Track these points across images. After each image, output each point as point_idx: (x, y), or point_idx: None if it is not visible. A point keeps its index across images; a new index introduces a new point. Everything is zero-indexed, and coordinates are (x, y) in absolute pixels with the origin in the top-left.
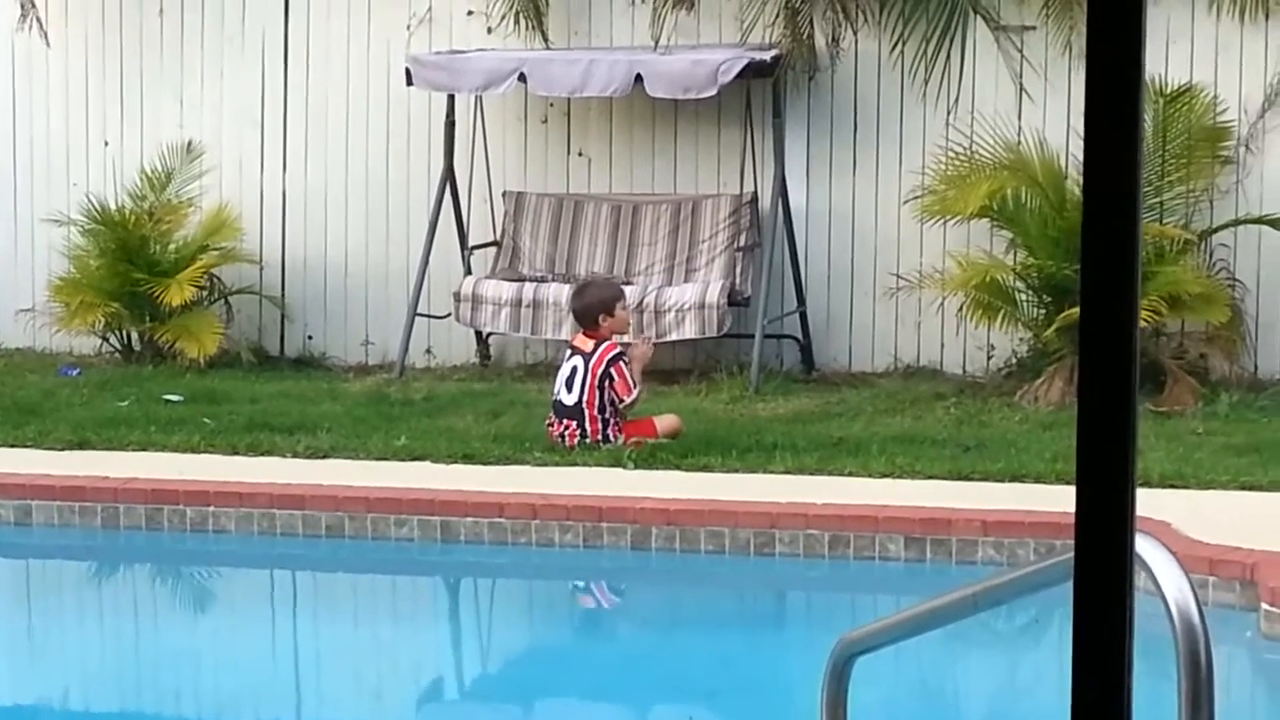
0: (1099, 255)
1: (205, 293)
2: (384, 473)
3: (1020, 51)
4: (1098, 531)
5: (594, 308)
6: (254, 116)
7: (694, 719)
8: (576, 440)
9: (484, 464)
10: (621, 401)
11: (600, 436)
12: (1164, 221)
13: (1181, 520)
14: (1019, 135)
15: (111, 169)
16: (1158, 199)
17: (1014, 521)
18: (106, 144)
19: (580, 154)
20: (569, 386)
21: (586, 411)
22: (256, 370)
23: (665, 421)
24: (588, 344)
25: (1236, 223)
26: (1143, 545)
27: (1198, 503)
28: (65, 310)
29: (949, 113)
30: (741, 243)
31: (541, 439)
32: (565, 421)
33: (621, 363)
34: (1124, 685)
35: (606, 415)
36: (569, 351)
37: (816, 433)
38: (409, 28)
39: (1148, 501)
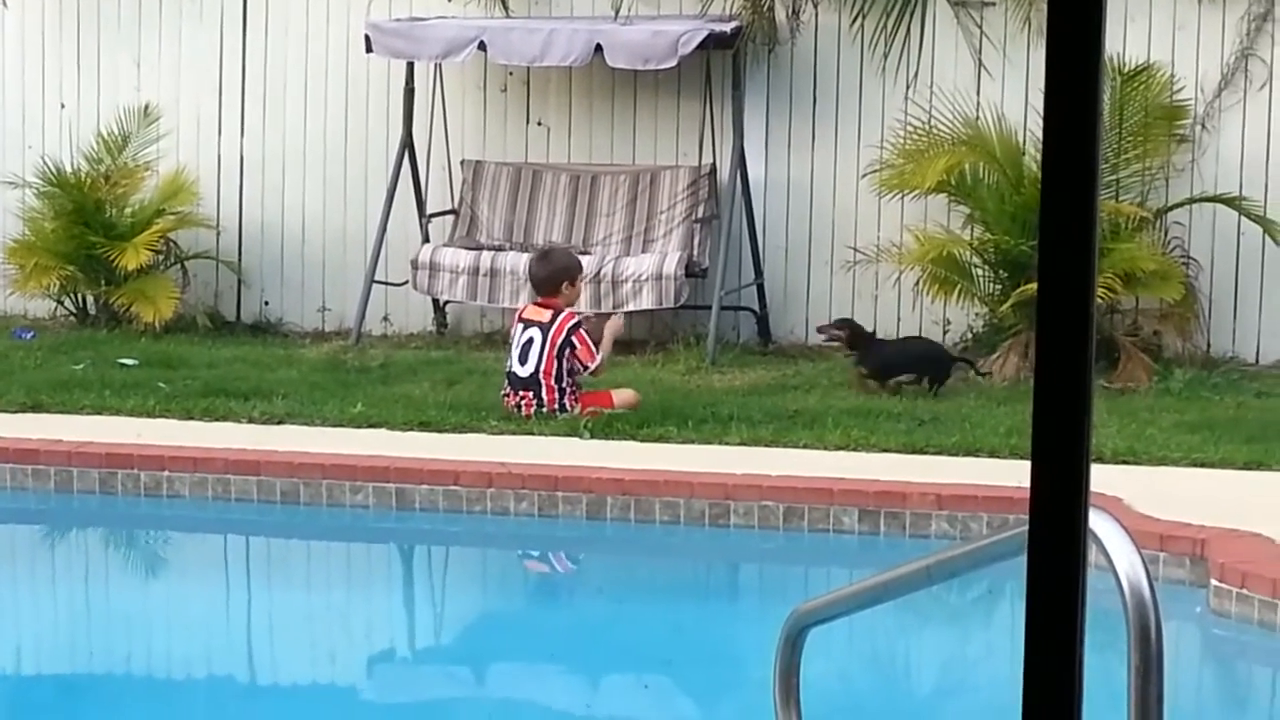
0: (1057, 231)
1: (161, 257)
2: (339, 439)
3: (979, 27)
4: (1052, 506)
5: (558, 275)
6: (212, 80)
7: (649, 688)
8: (533, 410)
9: (440, 432)
10: (585, 369)
11: (556, 406)
12: (1120, 199)
13: (1134, 496)
14: (977, 111)
15: (68, 131)
16: (1114, 176)
17: (968, 495)
18: (63, 106)
19: (539, 123)
20: (523, 359)
21: (543, 382)
22: (212, 335)
23: (623, 395)
24: (544, 314)
25: (1192, 201)
26: (1095, 520)
27: (1150, 479)
28: (20, 273)
29: (908, 87)
30: (700, 214)
31: (498, 407)
32: (521, 393)
33: (582, 330)
34: (1076, 658)
35: (564, 385)
36: (521, 325)
37: (772, 405)
38: None
39: (1100, 477)
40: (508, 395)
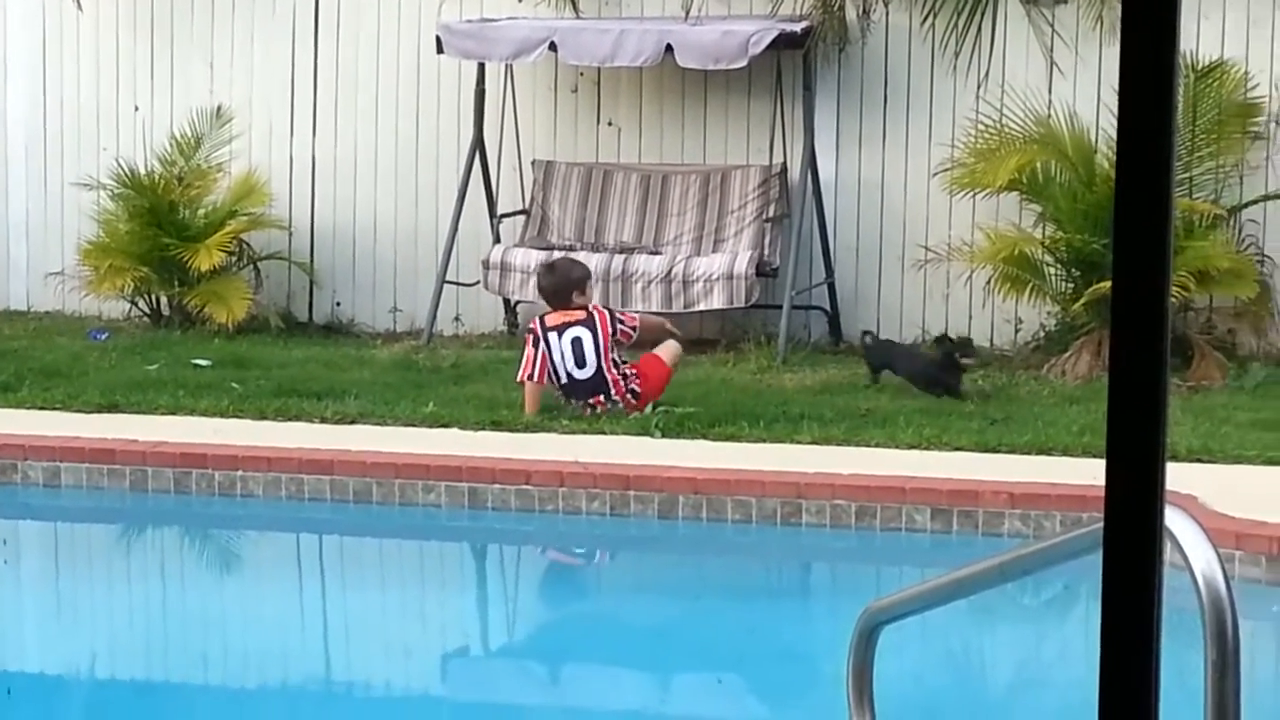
0: (1131, 229)
1: (234, 258)
2: (412, 439)
3: (1051, 25)
4: (1128, 503)
5: (566, 285)
6: (284, 82)
7: (723, 684)
8: (607, 408)
9: (511, 431)
10: (633, 332)
11: (626, 392)
12: (1193, 197)
13: (1208, 494)
14: (1049, 109)
15: (141, 133)
16: (1187, 174)
17: (1040, 494)
18: (137, 108)
19: (610, 123)
20: (580, 361)
21: (608, 375)
22: (285, 336)
23: (667, 351)
24: (579, 314)
25: (1266, 198)
26: (1170, 518)
27: (1225, 477)
28: (94, 274)
29: (979, 86)
30: (770, 213)
31: (569, 407)
32: (591, 399)
33: (615, 310)
34: (1152, 656)
35: (621, 369)
36: (555, 331)
37: (843, 403)
38: None
39: (1175, 475)
40: (574, 405)
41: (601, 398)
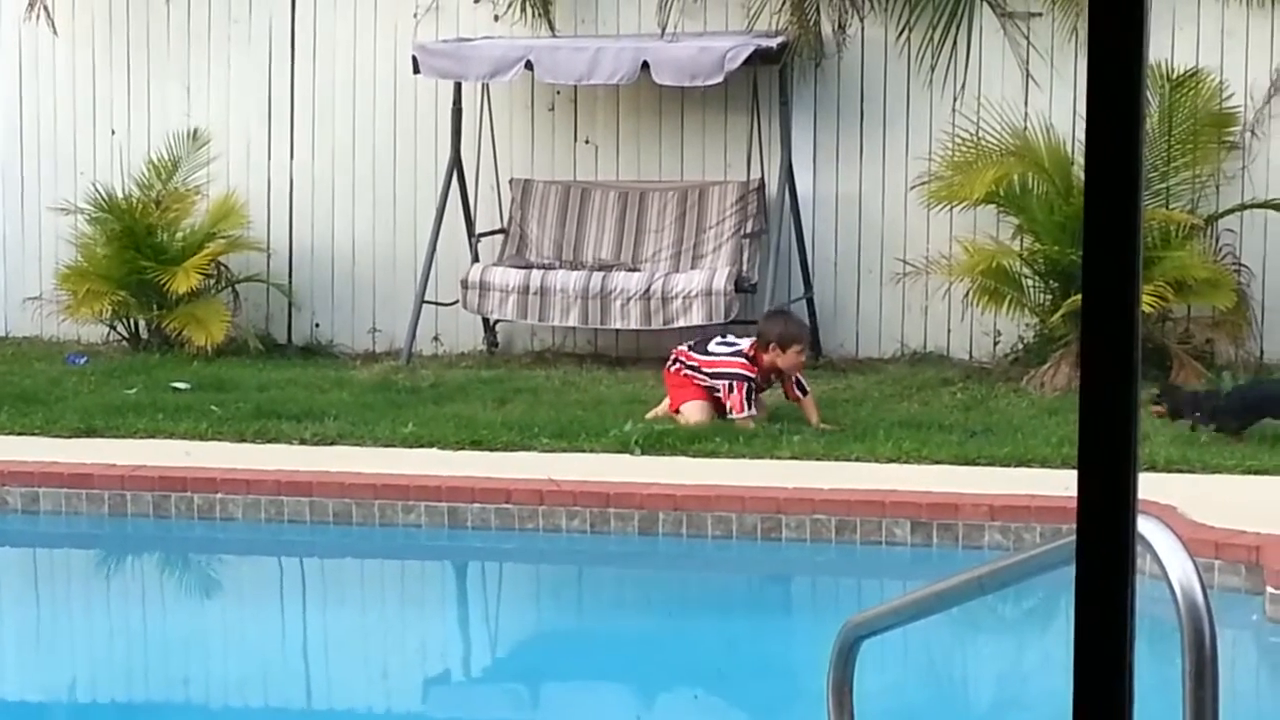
0: (1101, 240)
1: (212, 281)
2: (391, 459)
3: (1026, 38)
4: (1099, 513)
5: (766, 335)
6: (261, 104)
7: (700, 700)
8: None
9: (491, 450)
10: (729, 413)
11: (672, 362)
12: (1170, 206)
13: (1187, 504)
14: (1025, 121)
15: (118, 157)
16: (1164, 184)
17: (1020, 506)
18: (113, 132)
19: (587, 141)
20: (719, 338)
21: (694, 368)
22: (264, 358)
23: (691, 411)
24: (749, 349)
25: (1242, 207)
26: (1147, 528)
27: (1203, 487)
28: (72, 298)
29: (955, 99)
30: (748, 229)
31: (549, 426)
32: (694, 358)
33: (748, 384)
34: (1126, 666)
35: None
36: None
37: (823, 418)
38: (416, 15)
39: (1153, 486)
40: (676, 359)
41: (684, 362)
